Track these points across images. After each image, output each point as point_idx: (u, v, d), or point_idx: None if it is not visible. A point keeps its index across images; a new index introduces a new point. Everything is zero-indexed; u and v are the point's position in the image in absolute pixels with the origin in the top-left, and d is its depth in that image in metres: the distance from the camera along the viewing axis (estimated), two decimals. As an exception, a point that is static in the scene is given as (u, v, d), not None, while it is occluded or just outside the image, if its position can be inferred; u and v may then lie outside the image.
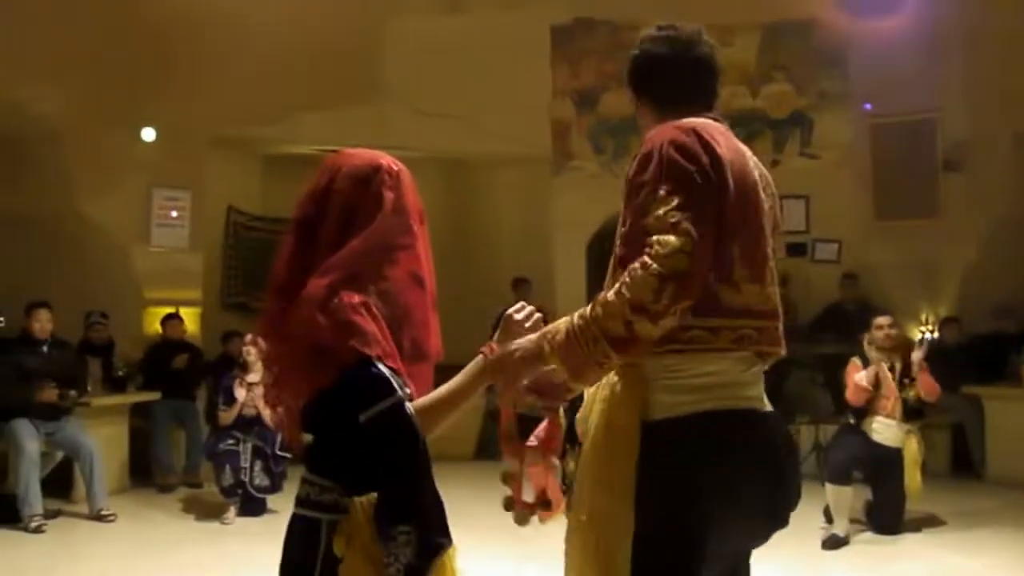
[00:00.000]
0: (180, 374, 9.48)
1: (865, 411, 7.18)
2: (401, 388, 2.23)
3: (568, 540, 2.32)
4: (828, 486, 7.06)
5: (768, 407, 2.38)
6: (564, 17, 10.98)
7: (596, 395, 2.36)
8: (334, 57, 10.20)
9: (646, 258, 2.13)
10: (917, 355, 7.19)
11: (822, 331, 10.34)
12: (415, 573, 2.21)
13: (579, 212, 10.96)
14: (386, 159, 2.47)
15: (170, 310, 10.04)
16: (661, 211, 2.17)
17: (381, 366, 2.22)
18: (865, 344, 7.33)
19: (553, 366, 2.25)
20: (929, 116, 10.66)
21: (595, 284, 12.76)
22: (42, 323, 7.97)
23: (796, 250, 10.93)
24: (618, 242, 2.31)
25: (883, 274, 10.57)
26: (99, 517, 7.72)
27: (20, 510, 7.41)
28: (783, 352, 2.40)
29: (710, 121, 2.44)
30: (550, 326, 2.28)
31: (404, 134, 10.11)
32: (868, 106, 10.86)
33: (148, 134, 10.04)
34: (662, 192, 2.20)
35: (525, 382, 2.32)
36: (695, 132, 2.29)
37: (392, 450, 2.22)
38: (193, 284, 10.63)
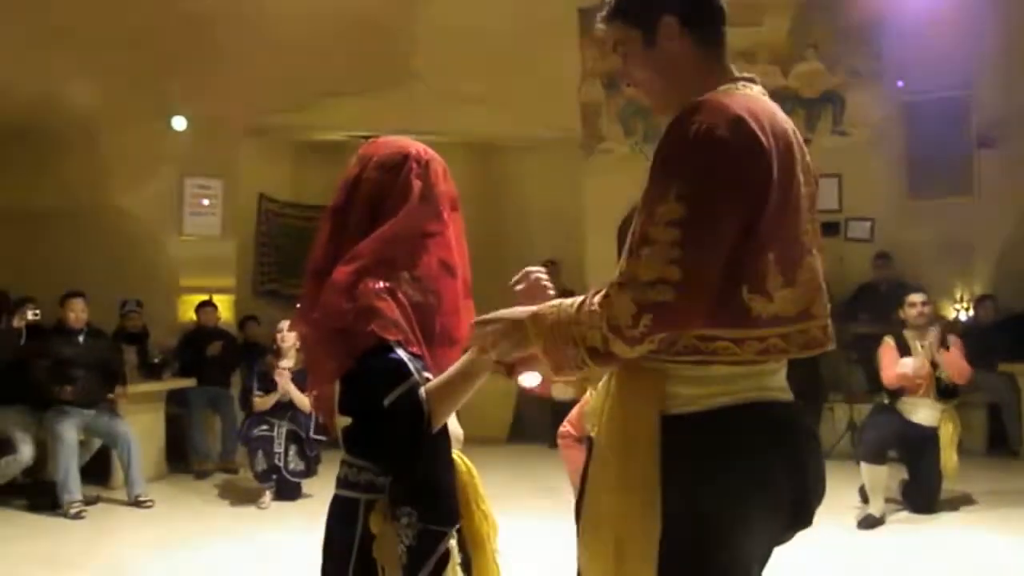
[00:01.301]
0: (215, 361, 9.56)
1: (900, 391, 7.15)
2: (419, 373, 2.24)
3: (583, 546, 2.15)
4: (863, 466, 7.03)
5: (790, 396, 2.21)
6: (592, -1, 10.95)
7: (607, 387, 2.18)
8: (363, 43, 10.20)
9: (626, 278, 1.94)
10: (931, 338, 7.12)
11: (856, 310, 10.28)
12: (417, 556, 2.23)
13: (609, 194, 10.91)
14: (416, 147, 2.49)
15: (203, 298, 10.12)
16: (663, 222, 1.92)
17: (400, 352, 2.24)
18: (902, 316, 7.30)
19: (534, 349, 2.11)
20: (962, 93, 10.53)
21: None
22: (77, 313, 8.05)
23: (829, 229, 10.84)
24: (632, 229, 2.05)
25: (917, 252, 10.48)
26: (137, 503, 7.81)
27: (60, 497, 7.51)
28: (822, 350, 2.21)
29: (759, 94, 2.14)
30: (545, 306, 2.11)
31: (434, 119, 10.12)
32: (900, 84, 10.75)
33: (179, 123, 10.11)
34: (672, 194, 1.93)
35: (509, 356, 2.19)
36: (745, 121, 1.97)
37: (403, 433, 2.24)
38: (226, 272, 10.71)
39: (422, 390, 2.23)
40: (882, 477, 7.01)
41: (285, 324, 8.01)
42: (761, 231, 2.00)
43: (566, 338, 2.02)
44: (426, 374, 2.27)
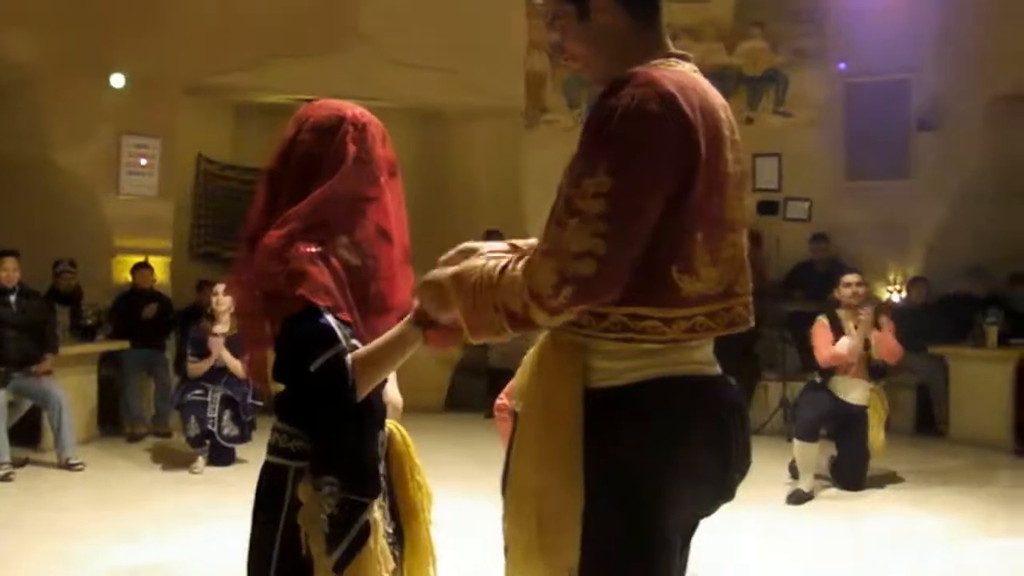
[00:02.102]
0: (149, 323, 9.44)
1: (832, 370, 7.27)
2: (346, 340, 2.23)
3: (507, 520, 2.13)
4: (796, 443, 7.15)
5: (717, 370, 2.20)
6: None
7: (530, 362, 2.16)
8: (309, 5, 10.10)
9: (551, 246, 1.93)
10: (865, 317, 7.24)
11: (792, 289, 10.42)
12: (338, 526, 2.22)
13: (552, 166, 10.76)
14: (353, 110, 2.46)
15: (139, 259, 9.97)
16: (590, 193, 1.90)
17: (329, 317, 2.22)
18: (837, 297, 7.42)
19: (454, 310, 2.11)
20: (904, 76, 10.67)
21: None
22: (9, 272, 7.90)
23: (768, 208, 10.97)
24: (557, 196, 2.03)
25: (853, 233, 10.63)
26: (67, 466, 7.71)
27: (-13, 458, 7.40)
28: (745, 328, 2.20)
29: (690, 70, 2.12)
30: (468, 266, 2.08)
31: (380, 84, 10.04)
32: (843, 65, 10.86)
33: (118, 81, 9.91)
34: (601, 167, 1.91)
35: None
36: (675, 96, 1.95)
37: (327, 399, 2.23)
38: (163, 233, 10.56)
39: (348, 357, 2.21)
40: (813, 454, 7.14)
41: (220, 288, 7.91)
42: (689, 209, 1.99)
43: (486, 302, 2.00)
44: (354, 341, 2.25)
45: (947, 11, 10.14)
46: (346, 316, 2.27)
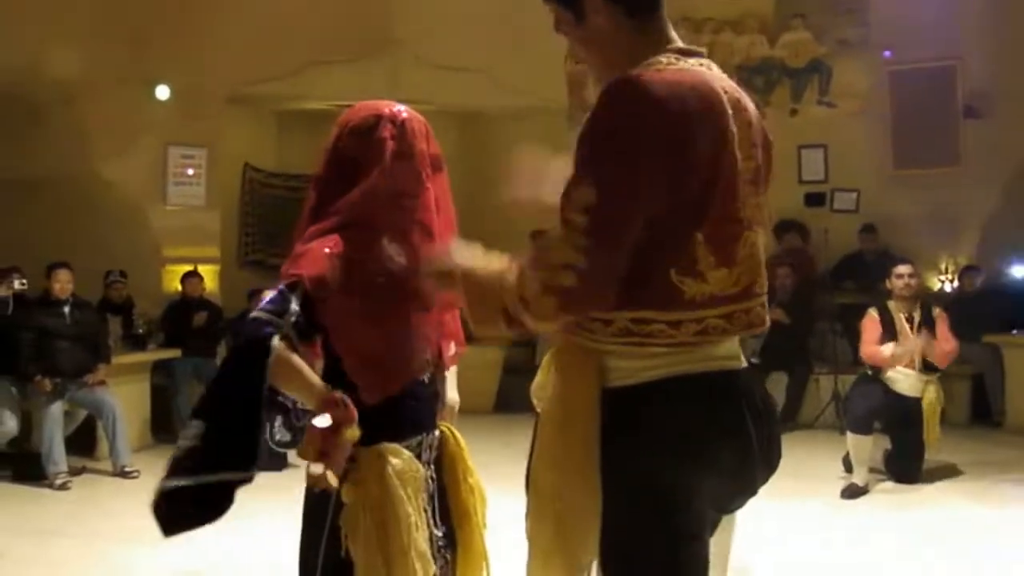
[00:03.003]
0: (200, 331, 9.52)
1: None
2: (289, 315, 2.26)
3: (529, 518, 2.14)
4: (849, 436, 7.06)
5: (742, 364, 2.15)
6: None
7: (550, 361, 2.18)
8: (347, 11, 10.14)
9: (538, 256, 1.93)
10: (914, 344, 7.07)
11: (841, 280, 10.31)
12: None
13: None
14: (391, 107, 2.47)
15: (188, 268, 10.07)
16: (576, 205, 1.89)
17: (294, 301, 2.28)
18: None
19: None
20: (949, 63, 10.53)
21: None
22: (62, 284, 8.00)
23: (815, 200, 10.88)
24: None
25: (902, 223, 10.50)
26: (123, 473, 7.80)
27: (45, 468, 7.50)
28: (762, 329, 2.17)
29: (691, 66, 2.06)
30: (477, 262, 2.09)
31: (419, 88, 10.05)
32: (888, 53, 10.73)
33: (163, 92, 10.02)
34: (586, 178, 1.91)
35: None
36: (664, 102, 1.91)
37: (240, 345, 2.29)
38: (210, 242, 10.66)
39: (276, 339, 2.24)
40: (867, 447, 7.05)
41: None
42: (686, 211, 1.95)
43: (487, 300, 2.01)
44: (295, 319, 2.28)
45: (991, -5, 10.01)
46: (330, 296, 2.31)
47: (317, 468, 2.27)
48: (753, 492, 2.17)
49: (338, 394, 2.29)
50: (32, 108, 9.57)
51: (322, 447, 2.27)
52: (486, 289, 2.01)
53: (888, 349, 7.07)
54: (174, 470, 2.19)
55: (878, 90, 10.84)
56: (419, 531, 2.33)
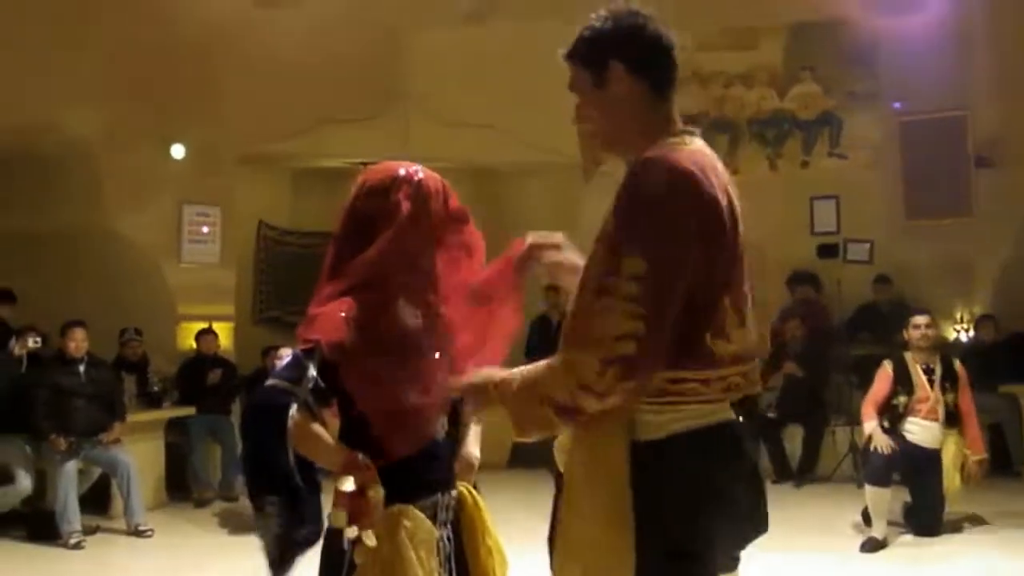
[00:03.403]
0: (215, 389, 9.53)
1: (902, 413, 7.10)
2: (307, 380, 2.29)
3: (556, 571, 2.21)
4: (868, 488, 6.98)
5: (732, 415, 2.28)
6: (588, 22, 10.91)
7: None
8: (359, 69, 10.25)
9: (587, 336, 2.04)
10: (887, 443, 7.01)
11: (857, 332, 10.27)
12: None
13: (609, 219, 10.95)
14: (408, 168, 2.50)
15: (203, 325, 10.10)
16: (625, 276, 2.02)
17: (311, 359, 2.30)
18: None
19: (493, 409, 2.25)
20: (959, 113, 10.56)
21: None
22: (77, 342, 8.03)
23: (828, 251, 10.87)
24: (580, 283, 2.18)
25: (916, 273, 10.48)
26: (137, 532, 7.77)
27: (59, 526, 7.46)
28: (757, 389, 2.34)
29: (702, 147, 2.23)
30: (508, 373, 2.20)
31: (430, 144, 10.13)
32: (898, 105, 10.78)
33: (177, 151, 10.12)
34: (632, 249, 2.04)
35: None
36: (697, 178, 2.09)
37: (251, 416, 2.37)
38: (225, 299, 10.70)
39: (294, 408, 2.27)
40: (886, 499, 6.97)
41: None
42: (717, 279, 2.13)
43: (532, 399, 2.11)
44: (312, 385, 2.30)
45: (998, 46, 10.05)
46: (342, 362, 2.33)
47: (351, 532, 2.31)
48: (766, 528, 2.32)
49: (359, 456, 2.30)
50: (49, 164, 9.64)
51: (351, 510, 2.30)
52: (529, 392, 2.12)
53: (870, 428, 7.09)
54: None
55: (889, 141, 10.87)
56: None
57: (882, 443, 6.97)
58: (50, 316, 8.41)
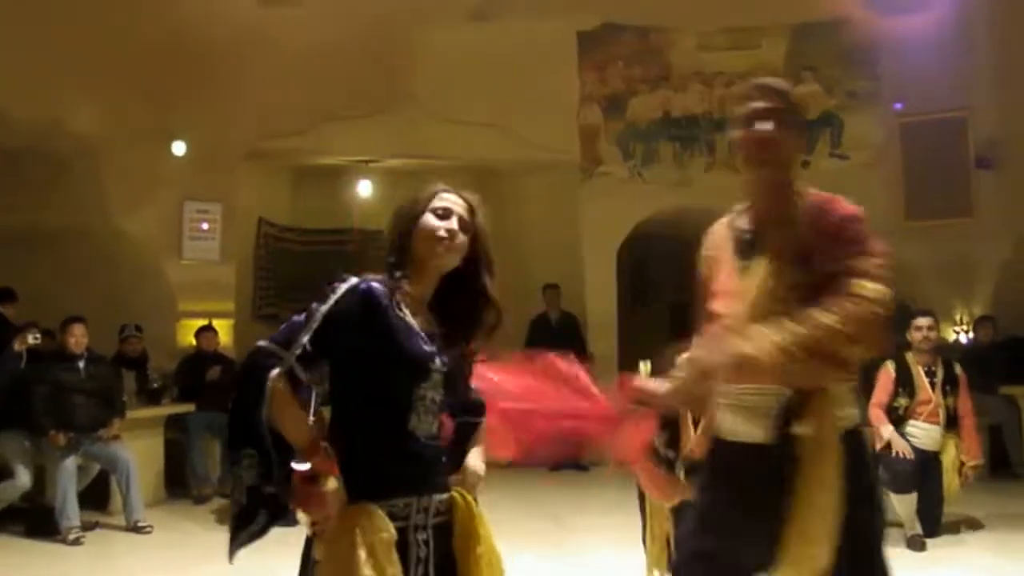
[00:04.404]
0: (214, 386, 9.52)
1: (904, 416, 7.07)
2: (295, 346, 2.33)
3: (797, 542, 2.63)
4: (895, 497, 6.78)
5: None
6: (591, 23, 10.95)
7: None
8: (361, 67, 10.24)
9: (865, 295, 2.68)
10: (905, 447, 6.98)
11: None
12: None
13: (608, 218, 10.96)
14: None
15: (203, 322, 10.10)
16: (873, 263, 2.78)
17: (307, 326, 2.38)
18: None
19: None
20: (960, 114, 10.58)
21: (625, 290, 12.56)
22: (77, 338, 8.03)
23: (828, 252, 10.86)
24: (807, 274, 2.78)
25: (916, 274, 10.47)
26: (136, 529, 7.77)
27: (58, 523, 7.46)
28: None
29: None
30: (773, 337, 2.62)
31: (432, 143, 10.15)
32: (898, 105, 10.78)
33: (179, 148, 10.13)
34: (867, 247, 2.82)
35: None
36: None
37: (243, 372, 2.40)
38: (225, 296, 10.70)
39: (273, 368, 2.32)
40: (914, 502, 6.89)
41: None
42: None
43: (814, 355, 2.62)
44: (297, 359, 2.34)
45: (998, 46, 10.05)
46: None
47: (302, 516, 2.34)
48: None
49: (324, 445, 2.31)
50: (52, 162, 9.65)
51: (298, 492, 2.32)
52: (807, 349, 2.60)
53: (887, 433, 6.98)
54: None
55: (889, 142, 10.88)
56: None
57: (904, 449, 6.92)
58: (51, 313, 8.40)
